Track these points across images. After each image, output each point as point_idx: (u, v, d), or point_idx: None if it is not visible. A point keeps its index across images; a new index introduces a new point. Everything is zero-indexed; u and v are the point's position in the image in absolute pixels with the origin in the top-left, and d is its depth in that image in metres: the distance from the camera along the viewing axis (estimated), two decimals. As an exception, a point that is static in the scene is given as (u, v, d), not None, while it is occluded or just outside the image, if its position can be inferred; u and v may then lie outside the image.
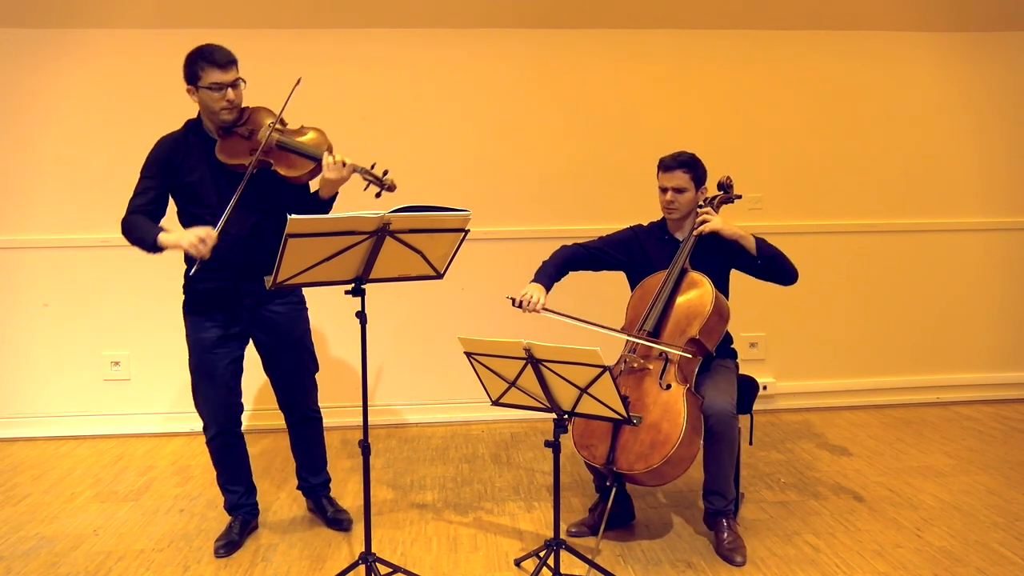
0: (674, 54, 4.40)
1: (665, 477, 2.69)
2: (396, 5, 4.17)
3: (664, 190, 2.99)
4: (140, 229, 2.67)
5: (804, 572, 2.72)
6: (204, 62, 2.65)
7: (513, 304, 2.85)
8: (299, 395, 3.03)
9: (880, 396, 4.63)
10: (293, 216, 2.24)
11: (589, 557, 2.67)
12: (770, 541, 2.93)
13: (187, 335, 2.87)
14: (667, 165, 2.98)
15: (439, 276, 2.65)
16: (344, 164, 2.63)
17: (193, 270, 2.61)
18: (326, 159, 2.63)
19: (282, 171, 2.67)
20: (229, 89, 2.66)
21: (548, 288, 2.96)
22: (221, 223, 2.59)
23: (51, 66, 4.10)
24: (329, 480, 3.23)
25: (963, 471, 3.58)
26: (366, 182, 2.69)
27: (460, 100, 4.33)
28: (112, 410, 4.27)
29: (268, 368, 2.99)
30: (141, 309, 4.22)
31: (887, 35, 4.48)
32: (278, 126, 2.70)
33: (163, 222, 2.77)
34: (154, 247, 2.63)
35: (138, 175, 2.78)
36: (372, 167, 2.67)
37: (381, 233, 2.39)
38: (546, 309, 2.85)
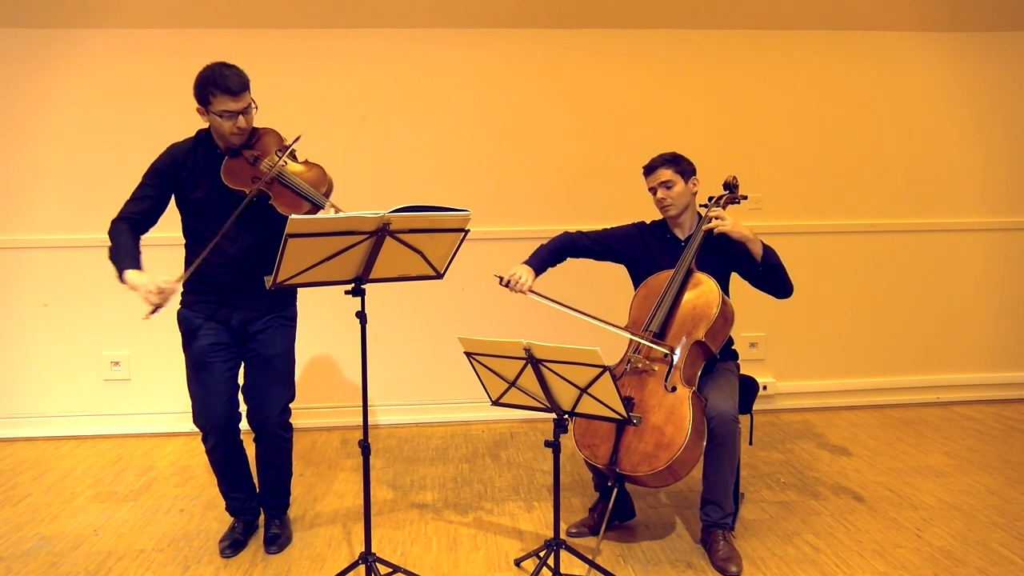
0: (675, 54, 4.40)
1: (669, 479, 2.68)
2: (396, 5, 4.16)
3: (653, 190, 3.01)
4: (119, 250, 2.65)
5: (804, 572, 2.72)
6: (216, 89, 2.58)
7: (500, 283, 2.89)
8: (270, 413, 2.88)
9: (880, 396, 4.63)
10: (293, 216, 2.25)
11: (589, 557, 2.67)
12: (770, 541, 2.93)
13: (183, 347, 2.86)
14: (649, 167, 3.02)
15: (439, 276, 2.65)
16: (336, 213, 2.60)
17: (146, 316, 2.56)
18: (327, 208, 2.64)
19: (279, 207, 2.66)
20: (240, 116, 2.63)
21: (539, 272, 3.00)
22: (211, 246, 2.62)
23: (51, 66, 4.10)
24: (286, 506, 3.09)
25: (963, 471, 3.58)
26: None
27: (461, 100, 4.33)
28: (112, 410, 4.27)
29: (245, 381, 2.92)
30: (141, 309, 4.18)
31: (887, 35, 4.48)
32: (284, 159, 2.70)
33: (155, 228, 2.79)
34: (119, 277, 2.61)
35: (139, 176, 2.79)
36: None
37: (381, 233, 2.39)
38: (532, 292, 2.88)
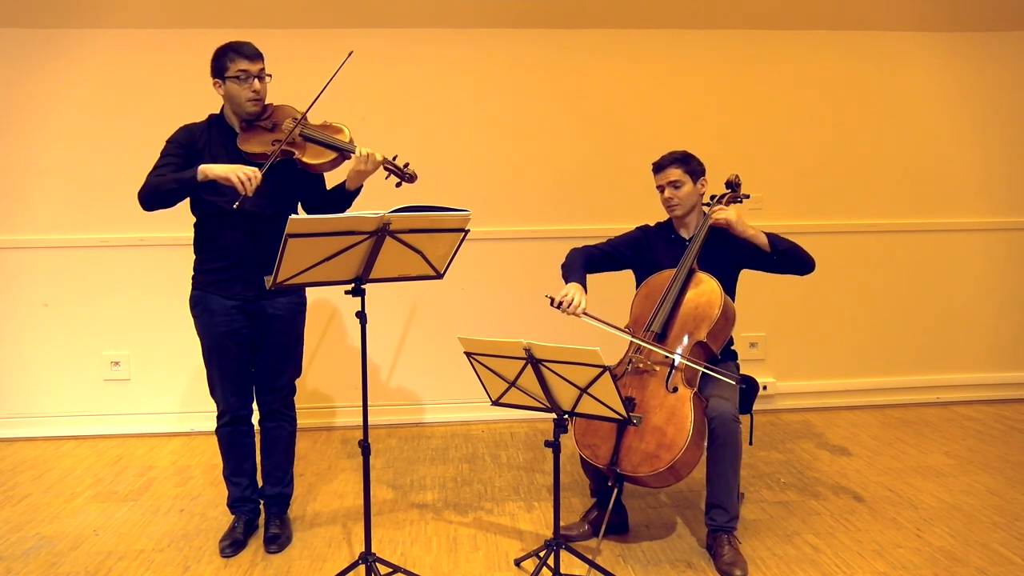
0: (675, 54, 4.40)
1: (670, 480, 2.68)
2: (396, 5, 4.16)
3: (661, 188, 2.99)
4: (170, 176, 2.67)
5: (804, 572, 2.72)
6: (233, 52, 2.73)
7: (551, 304, 2.79)
8: (277, 395, 2.98)
9: (880, 396, 4.63)
10: (293, 216, 2.26)
11: (589, 557, 2.67)
12: (770, 541, 2.93)
13: (196, 327, 2.88)
14: (659, 164, 3.00)
15: (439, 276, 2.66)
16: (369, 156, 2.72)
17: (236, 205, 2.61)
18: (359, 151, 2.71)
19: (306, 159, 2.73)
20: (255, 80, 2.74)
21: (585, 289, 2.88)
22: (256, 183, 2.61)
23: (50, 66, 4.10)
24: (287, 497, 3.08)
25: (963, 471, 3.58)
26: (387, 172, 2.78)
27: (461, 100, 4.33)
28: (112, 410, 4.27)
29: (257, 364, 2.95)
30: (141, 309, 4.22)
31: (887, 35, 4.48)
32: (303, 121, 2.76)
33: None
34: (193, 181, 2.62)
35: (140, 176, 2.77)
36: (394, 158, 2.78)
37: (381, 233, 2.39)
38: (586, 314, 2.77)
